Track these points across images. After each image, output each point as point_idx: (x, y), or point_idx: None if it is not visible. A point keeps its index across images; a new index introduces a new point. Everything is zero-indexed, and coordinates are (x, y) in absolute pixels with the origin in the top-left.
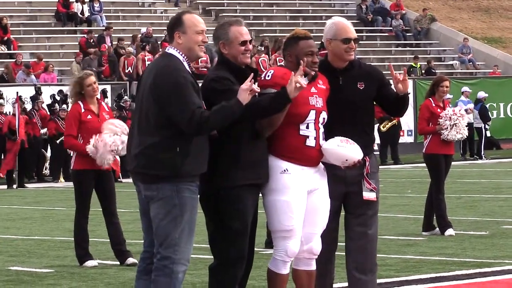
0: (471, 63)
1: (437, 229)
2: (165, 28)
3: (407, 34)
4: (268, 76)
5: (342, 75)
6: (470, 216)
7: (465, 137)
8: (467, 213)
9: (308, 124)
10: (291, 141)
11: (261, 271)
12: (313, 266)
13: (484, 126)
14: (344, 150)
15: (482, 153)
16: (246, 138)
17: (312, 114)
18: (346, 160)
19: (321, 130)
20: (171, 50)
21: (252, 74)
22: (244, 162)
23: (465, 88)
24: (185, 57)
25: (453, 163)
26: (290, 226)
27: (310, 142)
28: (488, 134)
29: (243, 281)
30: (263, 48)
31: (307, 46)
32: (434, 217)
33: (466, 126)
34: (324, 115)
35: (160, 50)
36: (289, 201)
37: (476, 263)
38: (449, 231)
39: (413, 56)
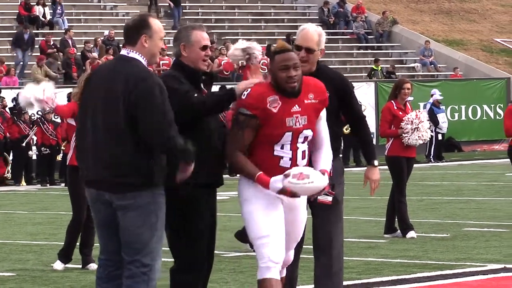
0: (432, 65)
1: (399, 231)
2: None
3: (369, 37)
4: (244, 95)
5: None
6: (432, 219)
7: (427, 141)
8: (428, 215)
9: (283, 145)
10: (264, 161)
11: (223, 274)
12: (282, 274)
13: (435, 129)
14: (314, 184)
15: (432, 156)
16: (196, 139)
17: (287, 136)
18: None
19: (301, 149)
20: (132, 54)
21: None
22: (196, 163)
23: (435, 91)
24: (146, 62)
25: (415, 165)
26: (266, 231)
27: (285, 163)
28: (440, 137)
29: (203, 284)
30: (225, 51)
31: (280, 60)
32: (396, 219)
33: (429, 128)
34: (306, 133)
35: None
36: (262, 208)
37: (438, 266)
38: (411, 234)
39: (374, 59)
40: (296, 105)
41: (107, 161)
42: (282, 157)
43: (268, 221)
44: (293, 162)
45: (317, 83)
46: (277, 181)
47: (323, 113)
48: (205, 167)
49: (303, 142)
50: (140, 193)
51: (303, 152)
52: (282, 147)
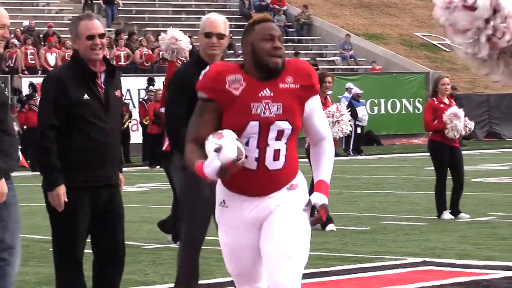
0: (352, 59)
1: (318, 224)
2: (48, 21)
3: (290, 30)
4: (201, 75)
5: None
6: (351, 212)
7: (348, 133)
8: (348, 208)
9: (249, 139)
10: None
11: (143, 265)
12: None
13: (355, 122)
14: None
15: (351, 149)
16: (78, 139)
17: (252, 127)
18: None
19: (274, 147)
20: None
21: None
22: (75, 164)
23: (349, 84)
24: None
25: (335, 158)
26: (235, 271)
27: (249, 164)
28: (359, 131)
29: (115, 276)
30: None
31: (263, 29)
32: (315, 212)
33: (349, 121)
34: (281, 125)
35: (44, 43)
36: (228, 243)
37: (357, 259)
38: (330, 226)
39: (294, 52)
40: (267, 89)
41: None
42: (246, 156)
43: (236, 258)
44: (261, 164)
45: (301, 65)
46: (211, 162)
47: (315, 103)
48: (75, 170)
49: (277, 139)
50: None
51: (277, 151)
52: (247, 143)
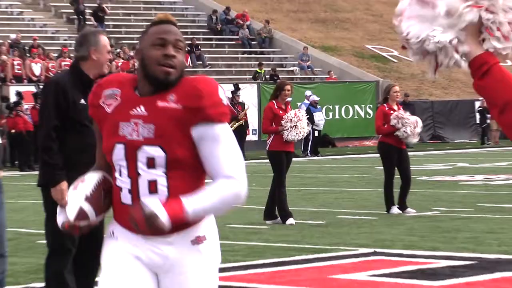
0: (309, 69)
1: (279, 218)
2: (33, 34)
3: (253, 42)
4: None
5: None
6: (309, 207)
7: (304, 136)
8: (306, 204)
9: (120, 168)
10: (113, 194)
11: None
12: None
13: (312, 126)
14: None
15: (308, 151)
16: (73, 140)
17: (118, 152)
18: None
19: (147, 177)
20: None
21: None
22: (70, 163)
23: (308, 92)
24: None
25: (293, 159)
26: None
27: (125, 197)
28: (316, 134)
29: (91, 273)
30: (121, 54)
31: (155, 33)
32: (276, 207)
33: (308, 124)
34: (150, 152)
35: (28, 55)
36: (109, 282)
37: (314, 249)
38: (290, 220)
39: (257, 62)
40: (142, 107)
41: None
42: (121, 189)
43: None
44: (134, 198)
45: (194, 82)
46: (58, 215)
47: (209, 132)
48: (79, 169)
49: (150, 167)
50: None
51: (152, 183)
52: (120, 173)
